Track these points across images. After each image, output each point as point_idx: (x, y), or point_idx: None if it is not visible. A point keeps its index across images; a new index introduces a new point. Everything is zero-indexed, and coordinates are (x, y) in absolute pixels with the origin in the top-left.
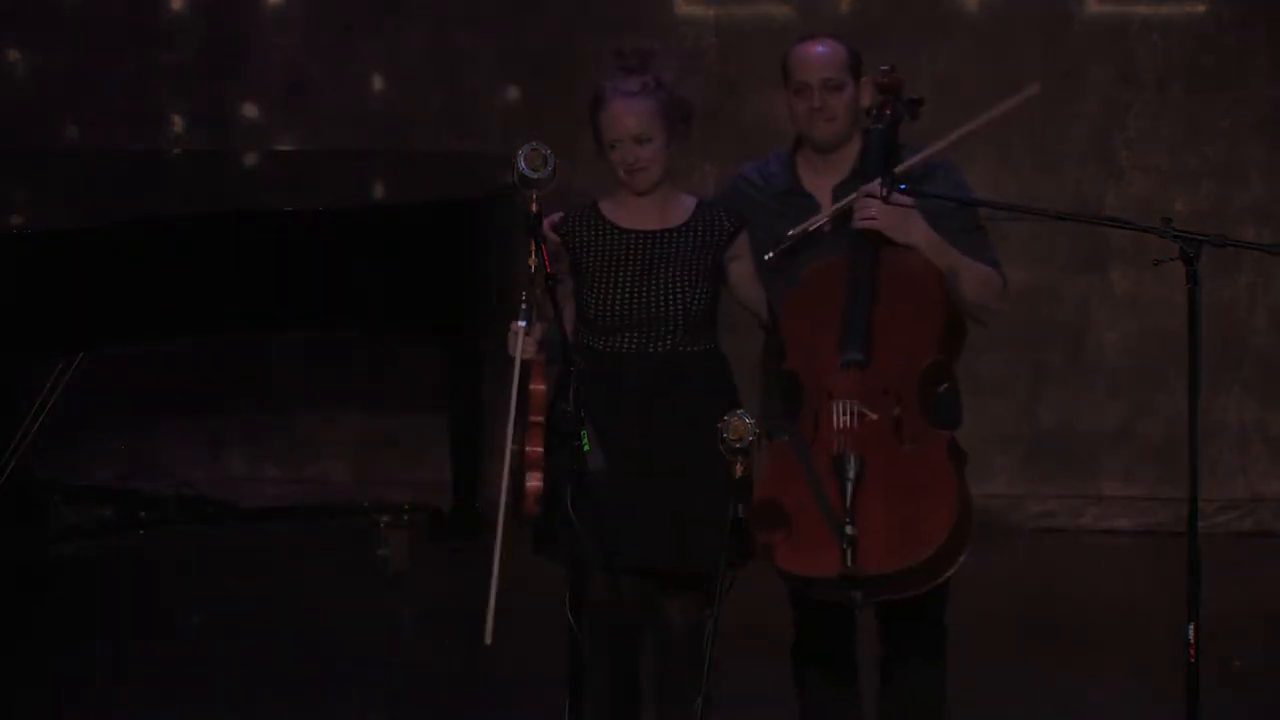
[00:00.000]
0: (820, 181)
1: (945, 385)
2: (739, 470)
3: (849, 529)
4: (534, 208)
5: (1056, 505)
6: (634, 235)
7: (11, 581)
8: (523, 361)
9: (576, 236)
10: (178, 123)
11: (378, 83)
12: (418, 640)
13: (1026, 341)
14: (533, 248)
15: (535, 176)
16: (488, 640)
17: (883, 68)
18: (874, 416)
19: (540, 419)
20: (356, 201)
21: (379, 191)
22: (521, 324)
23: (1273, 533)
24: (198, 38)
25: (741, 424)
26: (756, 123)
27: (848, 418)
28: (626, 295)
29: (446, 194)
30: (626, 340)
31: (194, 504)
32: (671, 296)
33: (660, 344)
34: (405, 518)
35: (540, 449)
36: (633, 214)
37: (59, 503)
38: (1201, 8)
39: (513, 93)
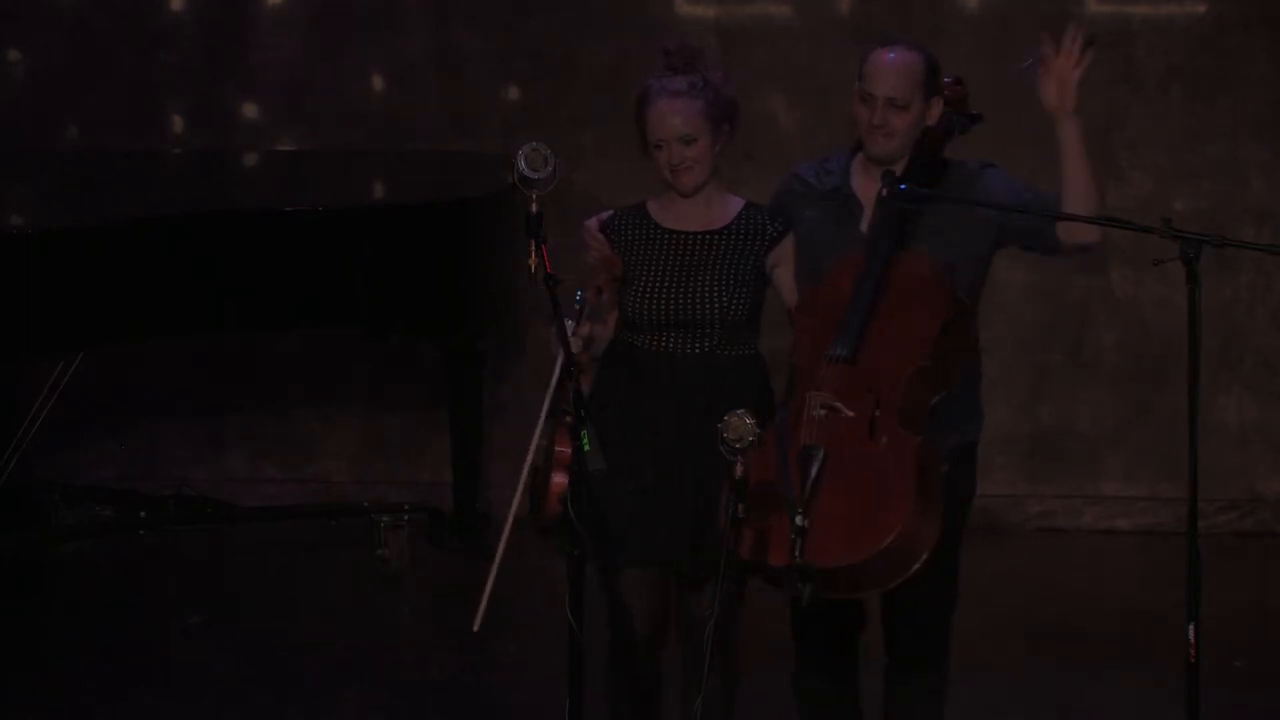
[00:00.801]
0: (869, 185)
1: (939, 398)
2: (739, 470)
3: (799, 519)
4: (534, 208)
5: (1056, 505)
6: (676, 235)
7: (11, 581)
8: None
9: (622, 236)
10: (178, 123)
11: (378, 83)
12: (418, 640)
13: (1026, 341)
14: (532, 248)
15: (535, 176)
16: (475, 627)
17: (948, 79)
18: (850, 414)
19: (571, 419)
20: (356, 201)
21: (379, 191)
22: (570, 323)
23: (1273, 533)
24: (198, 38)
25: (741, 424)
26: (757, 123)
27: (823, 411)
28: (666, 295)
29: (446, 194)
30: (665, 340)
31: (194, 504)
32: (710, 298)
33: (698, 345)
34: (405, 518)
35: (568, 449)
36: (677, 214)
37: (59, 503)
38: (1201, 8)
39: (513, 93)
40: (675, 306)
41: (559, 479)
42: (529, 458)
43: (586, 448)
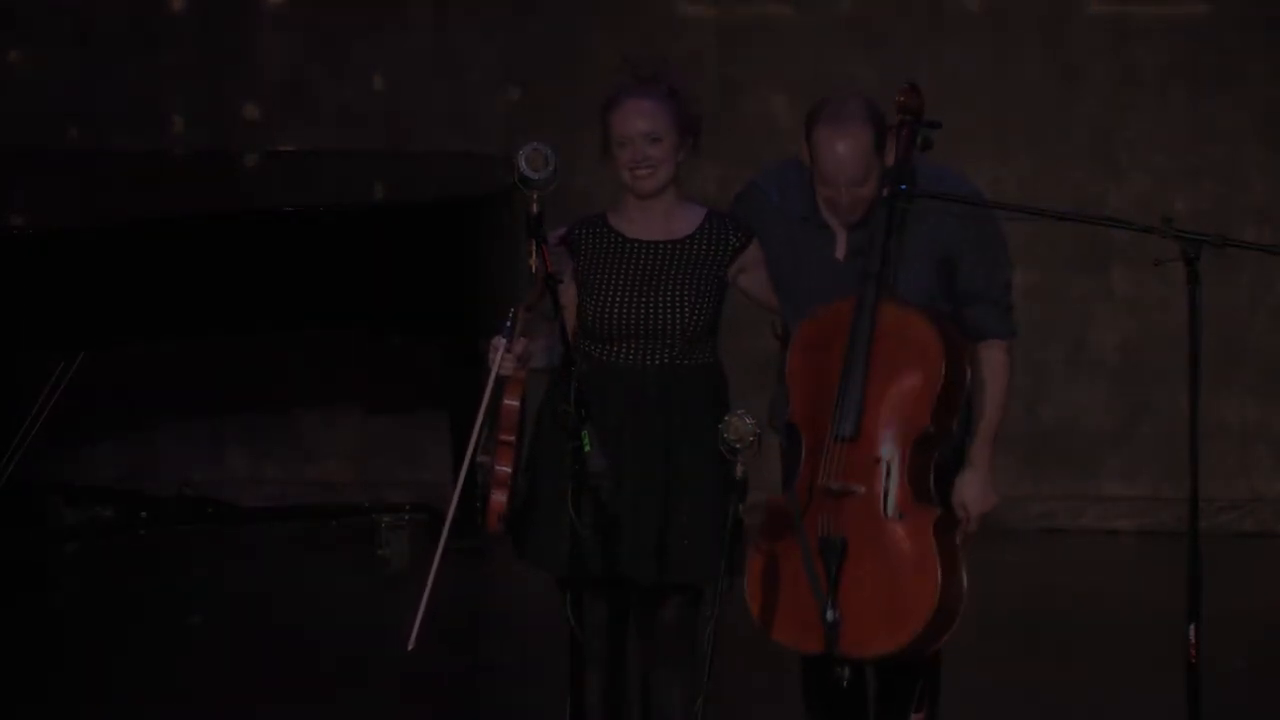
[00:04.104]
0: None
1: (938, 456)
2: (739, 471)
3: (830, 614)
4: (535, 208)
5: (1056, 505)
6: (638, 245)
7: (11, 581)
8: (498, 377)
9: (581, 245)
10: (178, 123)
11: (378, 83)
12: (418, 640)
13: (1026, 341)
14: (533, 248)
15: (536, 177)
16: (410, 646)
17: (902, 88)
18: (861, 489)
19: (511, 438)
20: (357, 201)
21: (379, 191)
22: (502, 340)
23: (1273, 533)
24: (198, 38)
25: (741, 424)
26: (757, 123)
27: (836, 494)
28: (626, 304)
29: (446, 194)
30: (623, 350)
31: (194, 504)
32: (671, 309)
33: (657, 356)
34: (405, 518)
35: (508, 469)
36: (638, 224)
37: (59, 503)
38: (1201, 8)
39: (513, 93)
40: (636, 317)
41: (498, 497)
42: (462, 471)
43: (587, 448)
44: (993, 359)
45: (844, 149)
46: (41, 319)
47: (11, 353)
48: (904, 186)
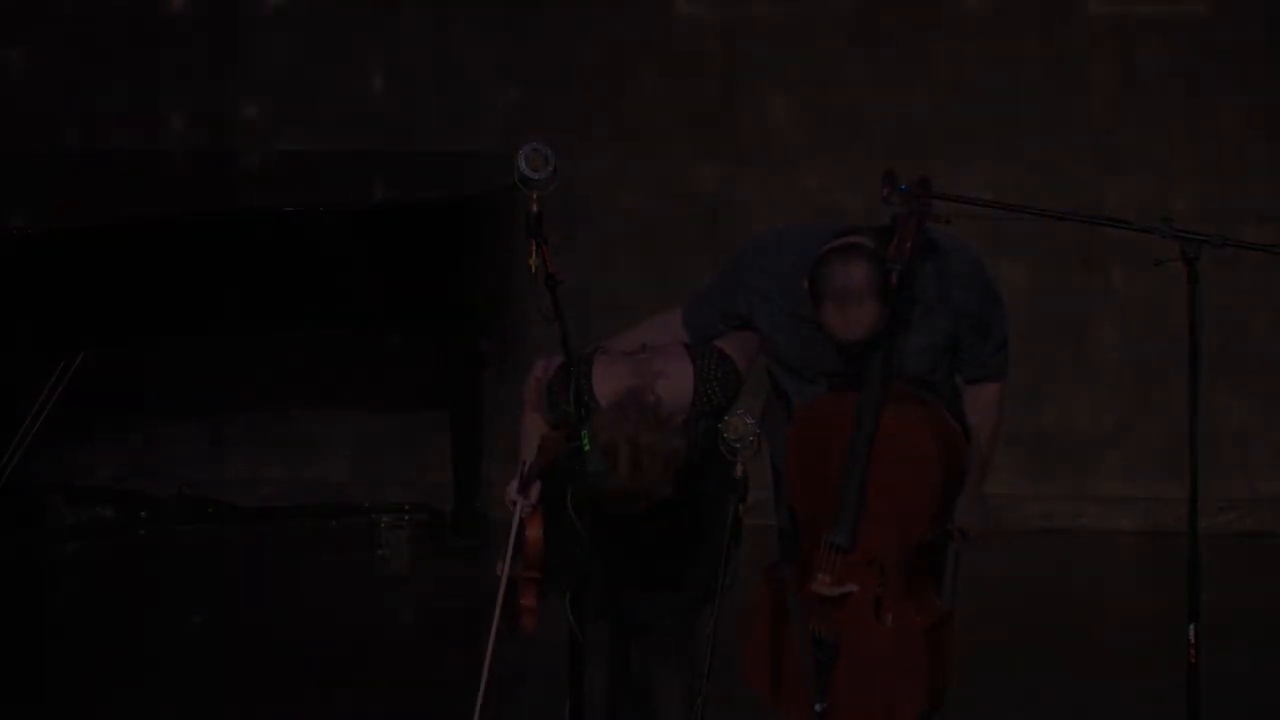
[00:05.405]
0: None
1: (933, 558)
2: (739, 470)
3: (818, 706)
4: (534, 208)
5: (1056, 505)
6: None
7: (11, 581)
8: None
9: (566, 402)
10: (178, 122)
11: (378, 83)
12: (418, 640)
13: (1026, 341)
14: (532, 247)
15: (536, 177)
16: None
17: (905, 185)
18: (855, 589)
19: (536, 574)
20: (357, 201)
21: (379, 191)
22: (517, 488)
23: (1273, 533)
24: (198, 38)
25: (741, 424)
26: (756, 123)
27: (830, 595)
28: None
29: (446, 194)
30: None
31: (194, 504)
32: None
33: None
34: (405, 518)
35: (534, 602)
36: None
37: (59, 503)
38: (1202, 7)
39: (513, 93)
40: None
41: (528, 621)
42: (500, 594)
43: (586, 447)
44: (984, 396)
45: (853, 327)
46: (41, 319)
47: (11, 353)
48: (904, 188)
